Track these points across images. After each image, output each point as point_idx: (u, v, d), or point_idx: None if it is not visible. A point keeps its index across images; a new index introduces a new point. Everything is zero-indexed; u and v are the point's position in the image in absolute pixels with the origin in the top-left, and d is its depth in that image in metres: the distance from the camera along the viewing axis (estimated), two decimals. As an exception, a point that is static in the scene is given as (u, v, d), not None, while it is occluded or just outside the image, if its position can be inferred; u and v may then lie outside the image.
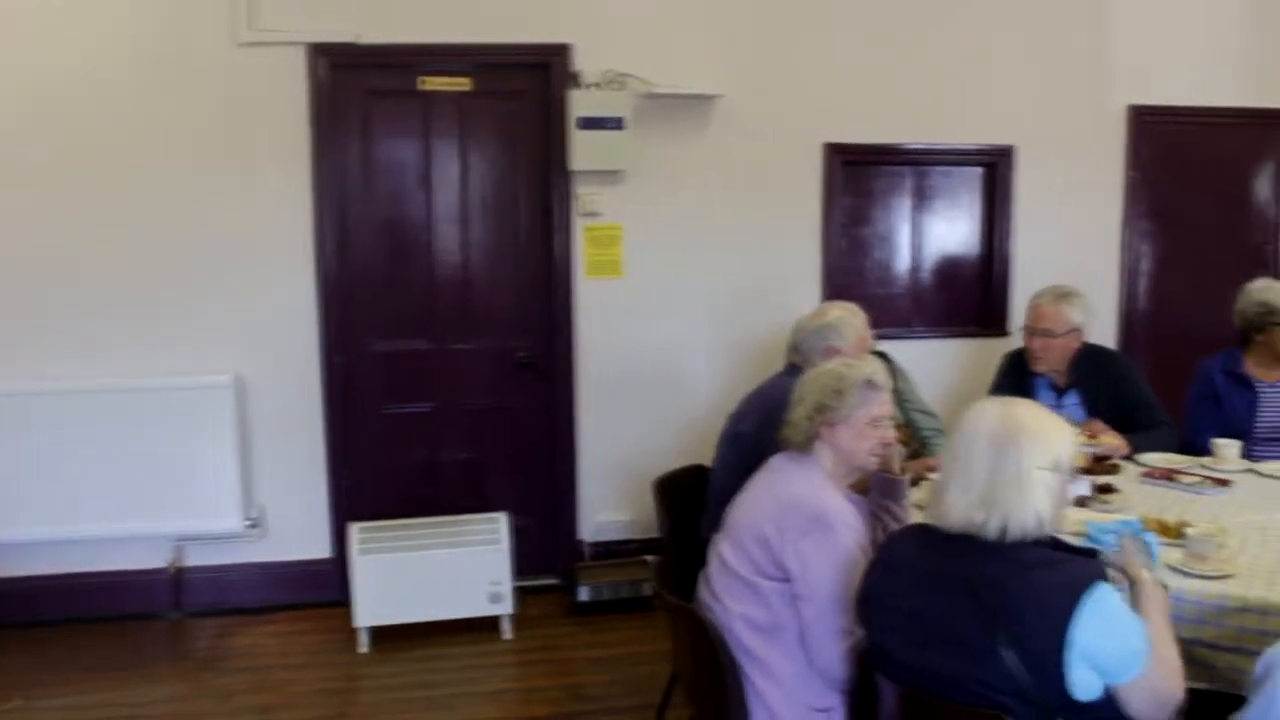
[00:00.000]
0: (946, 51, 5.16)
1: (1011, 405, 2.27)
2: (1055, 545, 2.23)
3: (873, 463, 2.83)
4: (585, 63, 4.79)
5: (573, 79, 4.77)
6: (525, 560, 4.89)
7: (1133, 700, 2.13)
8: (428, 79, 4.82)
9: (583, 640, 4.59)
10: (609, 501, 5.07)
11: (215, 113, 4.61)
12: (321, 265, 4.75)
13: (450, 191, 4.90)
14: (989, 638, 2.09)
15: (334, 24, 4.63)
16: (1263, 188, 5.74)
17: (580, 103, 4.69)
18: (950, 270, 5.42)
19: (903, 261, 5.37)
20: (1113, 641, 2.08)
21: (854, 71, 5.07)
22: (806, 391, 2.80)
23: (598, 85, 4.77)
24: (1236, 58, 5.56)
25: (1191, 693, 2.57)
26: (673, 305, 5.03)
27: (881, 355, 4.13)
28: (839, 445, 2.76)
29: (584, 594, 4.80)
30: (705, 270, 5.04)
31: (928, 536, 2.27)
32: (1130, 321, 5.58)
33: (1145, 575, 2.35)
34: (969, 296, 5.44)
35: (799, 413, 2.78)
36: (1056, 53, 5.29)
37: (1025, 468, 2.16)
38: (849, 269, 5.24)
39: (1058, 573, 2.11)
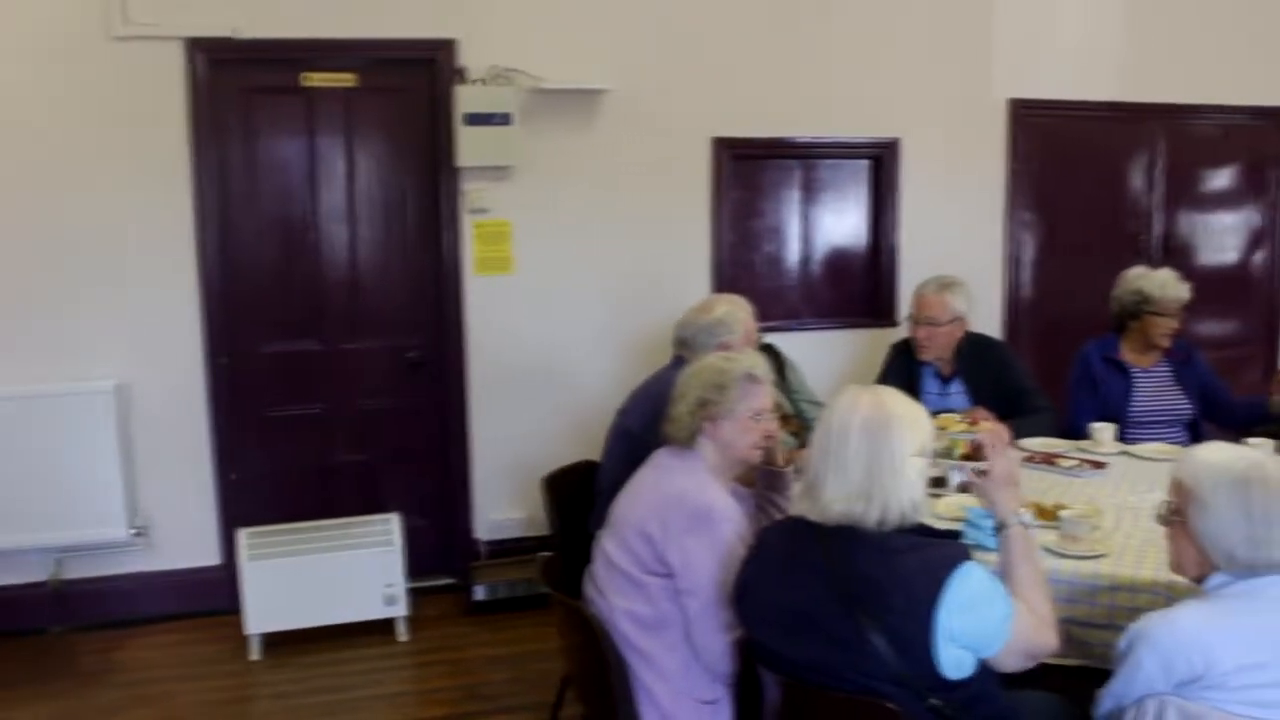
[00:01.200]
0: (833, 46, 5.23)
1: (880, 394, 2.30)
2: (920, 530, 2.27)
3: (756, 455, 2.85)
4: (471, 58, 4.75)
5: (459, 74, 4.72)
6: (420, 561, 4.84)
7: (1004, 662, 2.20)
8: (311, 75, 4.73)
9: (479, 639, 4.55)
10: (504, 499, 5.04)
11: (89, 109, 4.46)
12: (203, 266, 4.63)
13: (337, 189, 4.81)
14: (859, 626, 2.12)
15: (211, 18, 4.51)
16: (1136, 178, 5.93)
17: (467, 98, 4.65)
18: (839, 262, 5.50)
19: (793, 254, 5.43)
20: (978, 619, 2.13)
21: (742, 66, 5.11)
22: (688, 387, 2.79)
23: (484, 81, 4.72)
24: (1110, 54, 5.74)
25: (1066, 669, 2.66)
26: (564, 300, 5.02)
27: (769, 347, 4.20)
28: (722, 439, 2.76)
29: (480, 593, 4.77)
30: (596, 265, 5.04)
31: (800, 529, 2.29)
32: (1015, 309, 5.72)
33: (1011, 520, 2.39)
34: (858, 287, 5.52)
35: (681, 408, 2.77)
36: (940, 48, 5.40)
37: (899, 455, 2.19)
38: (739, 262, 5.27)
39: (922, 557, 2.15)
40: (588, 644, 2.69)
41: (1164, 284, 4.17)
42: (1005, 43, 5.52)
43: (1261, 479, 2.07)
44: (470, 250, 4.89)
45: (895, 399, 2.29)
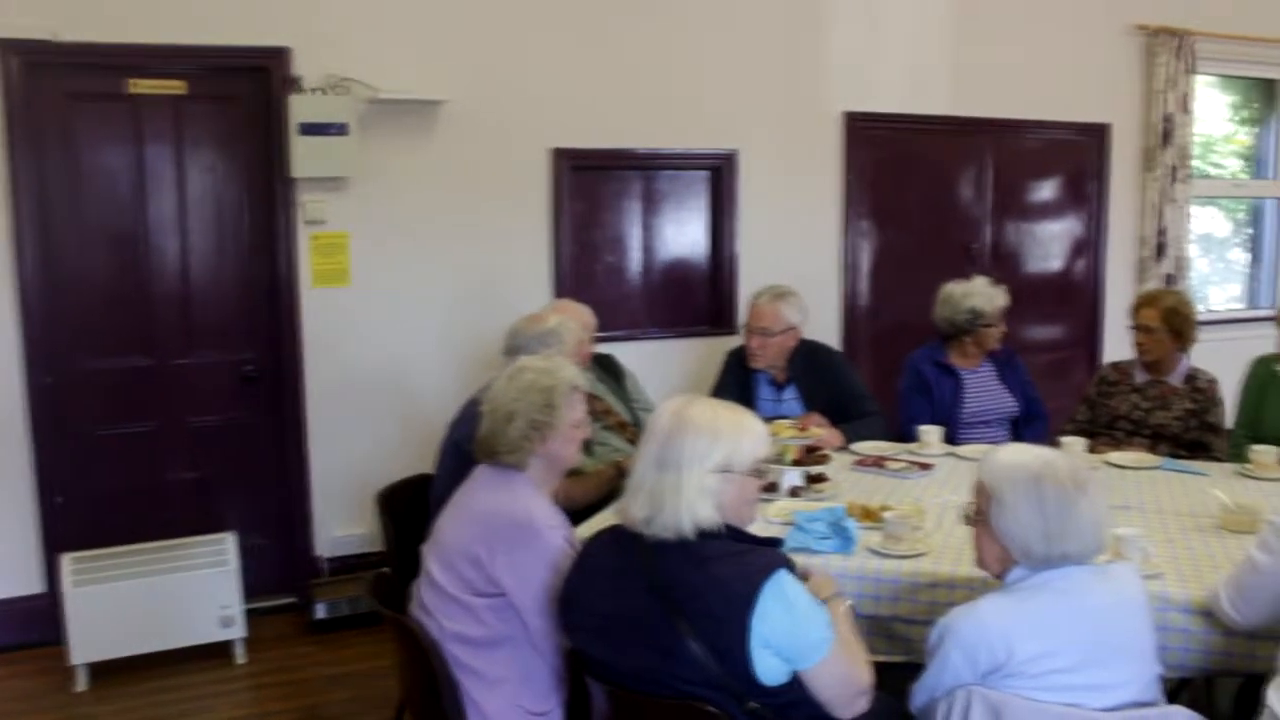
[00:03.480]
0: (672, 58, 5.30)
1: (687, 405, 2.30)
2: (738, 537, 2.29)
3: (577, 461, 2.86)
4: (306, 67, 4.66)
5: (293, 83, 4.63)
6: (259, 581, 4.71)
7: (820, 684, 2.22)
8: (137, 82, 4.57)
9: (320, 659, 4.46)
10: (346, 515, 4.95)
11: (-108, 116, 4.24)
12: (21, 281, 4.42)
13: (167, 200, 4.66)
14: (676, 632, 2.15)
15: (27, 19, 4.31)
16: (967, 190, 6.17)
17: (301, 108, 4.56)
18: (680, 271, 5.57)
19: (634, 264, 5.47)
20: (793, 627, 2.16)
21: (582, 77, 5.14)
22: (515, 409, 2.71)
23: (320, 90, 4.64)
24: (940, 70, 5.96)
25: (889, 665, 2.75)
26: (403, 313, 4.96)
27: (607, 358, 4.23)
28: (552, 453, 2.75)
29: (321, 611, 4.68)
30: (435, 277, 4.99)
31: (622, 537, 2.31)
32: (852, 316, 5.88)
33: (833, 598, 2.41)
34: (699, 297, 5.60)
35: (513, 433, 2.70)
36: (777, 61, 5.52)
37: (685, 472, 2.20)
38: (581, 272, 5.29)
39: (738, 564, 2.18)
40: (415, 660, 2.66)
41: (991, 297, 4.39)
42: (840, 57, 5.68)
43: (1054, 477, 2.18)
44: (307, 262, 4.79)
45: (705, 412, 2.29)
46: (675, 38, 5.30)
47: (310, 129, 4.57)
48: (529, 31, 5.04)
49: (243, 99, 4.70)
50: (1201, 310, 7.20)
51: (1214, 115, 7.45)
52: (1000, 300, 4.40)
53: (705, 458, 2.22)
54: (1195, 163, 7.13)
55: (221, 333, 4.79)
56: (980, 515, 2.28)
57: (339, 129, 4.61)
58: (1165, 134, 6.55)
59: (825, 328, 5.58)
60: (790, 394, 4.20)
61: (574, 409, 2.78)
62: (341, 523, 4.96)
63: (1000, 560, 2.26)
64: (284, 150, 4.62)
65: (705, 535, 2.21)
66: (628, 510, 2.28)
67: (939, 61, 5.96)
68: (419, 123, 4.88)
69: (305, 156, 4.58)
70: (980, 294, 4.37)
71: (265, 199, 4.74)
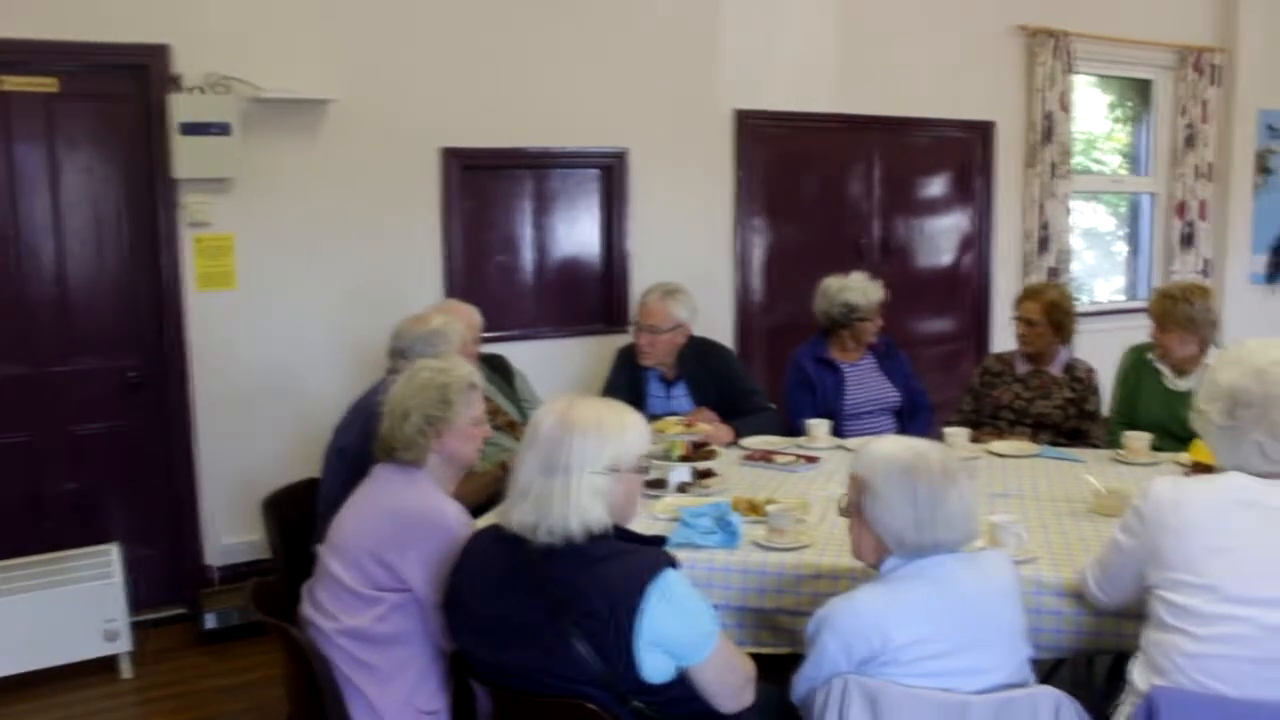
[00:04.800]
0: (562, 57, 5.30)
1: (570, 407, 2.29)
2: (623, 536, 2.30)
3: (476, 460, 2.86)
4: (186, 65, 4.55)
5: (173, 82, 4.52)
6: (148, 592, 4.61)
7: (706, 679, 2.24)
8: (5, 79, 4.42)
9: (212, 669, 4.37)
10: (236, 522, 4.85)
11: None
12: (-115, 288, 4.26)
13: (41, 202, 4.51)
14: (562, 632, 2.15)
15: (-115, 15, 4.16)
16: (856, 186, 6.28)
17: (182, 107, 4.45)
18: (573, 270, 5.57)
19: (527, 263, 5.45)
20: (681, 625, 2.18)
21: (471, 77, 5.10)
22: (411, 405, 2.74)
23: (201, 89, 4.54)
24: (828, 68, 6.05)
25: (774, 657, 2.78)
26: (292, 316, 4.88)
27: (497, 358, 4.22)
28: (448, 451, 2.76)
29: (211, 621, 4.59)
30: (325, 278, 4.92)
31: (506, 537, 2.30)
32: (745, 312, 5.95)
33: None
34: (592, 296, 5.60)
35: (409, 429, 2.71)
36: (667, 59, 5.55)
37: (574, 475, 2.20)
38: (472, 272, 5.25)
39: (624, 563, 2.19)
40: (299, 665, 2.63)
41: (866, 291, 4.47)
42: (730, 56, 5.74)
43: (925, 467, 2.23)
44: (191, 265, 4.68)
45: (590, 413, 2.28)
46: (566, 37, 5.30)
47: (191, 129, 4.47)
48: (417, 30, 4.99)
49: (120, 98, 4.57)
50: (1086, 302, 7.47)
51: (1095, 114, 7.70)
52: (876, 294, 4.48)
53: (595, 459, 2.22)
54: (1079, 159, 7.37)
55: (102, 338, 4.66)
56: (855, 507, 2.33)
57: (221, 129, 4.51)
58: (1046, 131, 6.74)
59: (719, 324, 5.63)
60: (680, 391, 4.23)
61: (471, 406, 2.78)
62: (232, 530, 4.87)
63: (875, 550, 2.31)
64: (165, 151, 4.51)
65: (592, 536, 2.21)
66: (512, 515, 2.26)
67: (828, 60, 6.05)
68: (305, 122, 4.81)
69: (187, 157, 4.48)
70: (855, 288, 4.45)
71: (146, 201, 4.62)
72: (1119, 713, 2.34)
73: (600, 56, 5.38)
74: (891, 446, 2.31)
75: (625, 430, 2.30)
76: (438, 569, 2.54)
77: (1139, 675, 2.32)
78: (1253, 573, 2.18)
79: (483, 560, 2.35)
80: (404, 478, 2.74)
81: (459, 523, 2.63)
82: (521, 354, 4.84)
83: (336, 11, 4.84)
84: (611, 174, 5.49)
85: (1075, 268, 7.22)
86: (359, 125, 4.89)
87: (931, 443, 2.39)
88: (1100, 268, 8.04)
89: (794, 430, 4.26)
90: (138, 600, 4.38)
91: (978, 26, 6.54)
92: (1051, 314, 4.40)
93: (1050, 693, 2.19)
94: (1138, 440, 3.85)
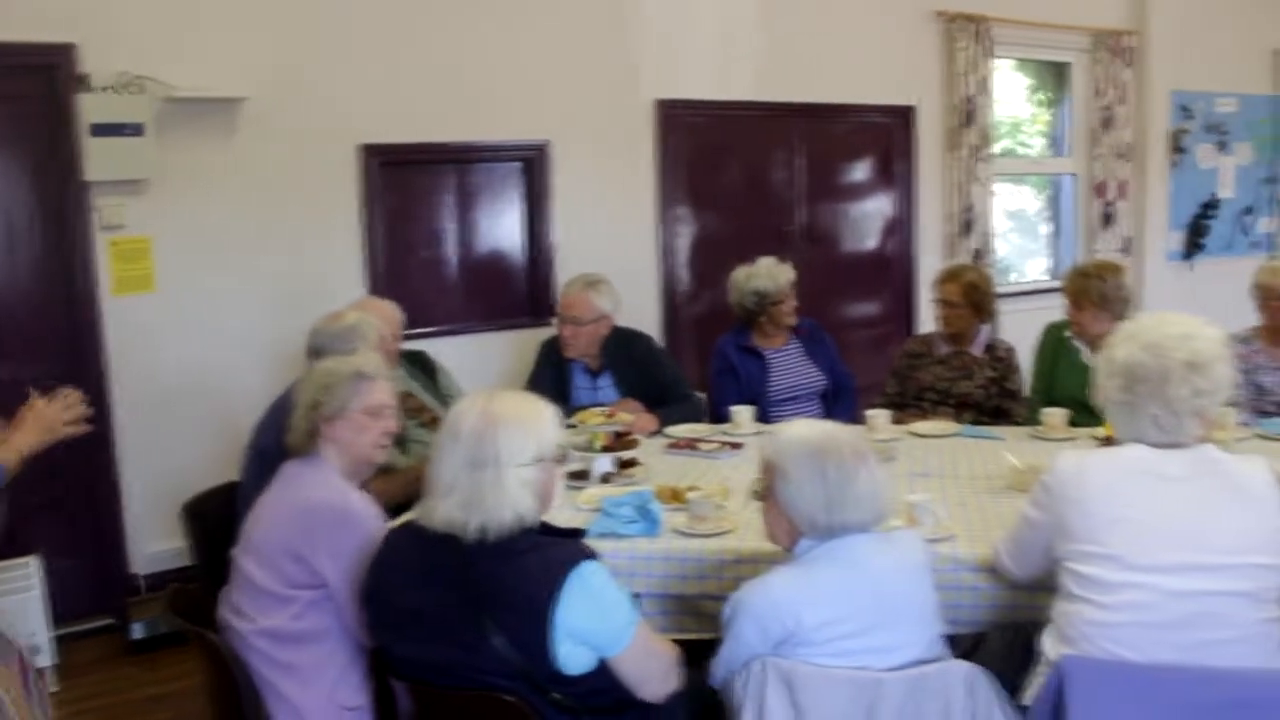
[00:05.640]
0: (480, 50, 5.27)
1: (493, 401, 2.29)
2: (543, 530, 2.30)
3: (379, 455, 2.83)
4: (95, 64, 4.45)
5: (82, 82, 4.43)
6: (72, 604, 4.52)
7: (628, 668, 2.25)
8: (-98, 81, 4.32)
9: (139, 680, 4.30)
10: (163, 529, 4.76)
11: None
12: None
13: (-57, 207, 4.42)
14: (480, 626, 2.15)
15: None
16: (779, 173, 6.32)
17: (92, 108, 4.37)
18: (498, 264, 5.55)
19: (451, 258, 5.43)
20: (598, 617, 2.19)
21: (388, 71, 5.06)
22: (301, 393, 2.78)
23: (112, 89, 4.45)
24: (748, 56, 6.08)
25: (698, 643, 2.80)
26: (213, 317, 4.81)
27: (419, 354, 4.20)
28: (340, 440, 2.74)
29: (138, 631, 4.52)
30: (246, 279, 4.86)
31: (417, 533, 2.29)
32: (671, 301, 5.97)
33: None
34: (517, 289, 5.59)
35: (299, 420, 2.75)
36: (586, 51, 5.55)
37: (504, 468, 2.20)
38: (395, 269, 5.22)
39: (541, 557, 2.19)
40: (220, 671, 2.60)
41: (773, 276, 4.50)
42: (650, 45, 5.74)
43: (834, 450, 2.26)
44: (107, 269, 4.60)
45: (511, 406, 2.29)
46: (482, 28, 5.27)
47: (102, 130, 4.39)
48: (332, 26, 4.94)
49: (27, 99, 4.46)
50: (1011, 282, 7.59)
51: (1017, 97, 7.82)
52: (784, 276, 4.50)
53: (521, 451, 2.22)
54: (1007, 142, 7.48)
55: (16, 345, 4.55)
56: (767, 491, 2.35)
57: (134, 129, 4.44)
58: (967, 115, 6.83)
59: (645, 314, 5.65)
60: (605, 381, 4.24)
61: (363, 395, 2.76)
62: (157, 537, 4.79)
63: (788, 533, 2.34)
64: (76, 152, 4.42)
65: (518, 530, 2.20)
66: (436, 512, 2.25)
67: (748, 48, 6.08)
68: (221, 121, 4.74)
69: (98, 158, 4.40)
70: (763, 274, 4.47)
71: (57, 204, 4.52)
72: (1032, 684, 2.38)
73: (519, 48, 5.36)
74: (801, 430, 2.34)
75: (544, 421, 2.31)
76: (350, 562, 2.53)
77: (1050, 646, 2.37)
78: (1153, 541, 2.23)
79: (402, 557, 2.34)
80: (308, 472, 2.73)
81: (365, 514, 2.63)
82: (448, 349, 4.82)
83: (250, 8, 4.77)
84: (533, 167, 5.48)
85: (1004, 249, 7.33)
86: (276, 123, 4.84)
87: (842, 425, 2.42)
88: (1029, 248, 8.17)
89: (721, 418, 4.29)
90: (63, 612, 4.30)
91: (897, 12, 6.61)
92: (971, 295, 4.46)
93: (962, 667, 2.23)
94: (1055, 416, 3.93)
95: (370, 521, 2.61)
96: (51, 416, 2.86)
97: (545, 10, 5.43)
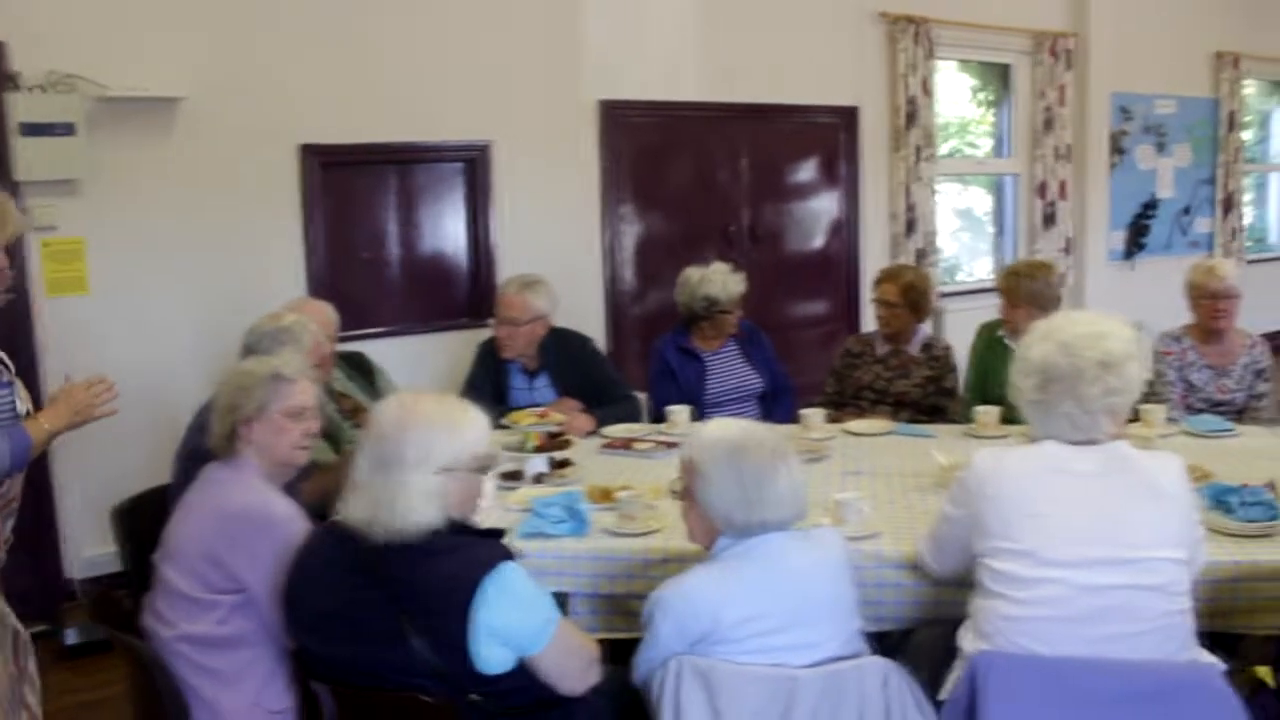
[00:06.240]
0: (422, 49, 5.25)
1: (411, 402, 2.29)
2: (461, 530, 2.28)
3: (300, 457, 2.80)
4: (25, 62, 4.40)
5: (10, 81, 4.37)
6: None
7: (549, 665, 2.26)
8: None
9: (75, 686, 4.25)
10: (99, 534, 4.70)
11: None
12: None
13: None
14: (398, 627, 2.15)
15: None
16: (723, 174, 6.35)
17: (21, 107, 4.32)
18: (441, 266, 5.54)
19: (393, 260, 5.41)
20: (518, 618, 2.19)
21: (328, 71, 5.03)
22: (219, 394, 2.76)
23: (41, 87, 4.40)
24: (693, 57, 6.11)
25: (626, 641, 2.81)
26: (150, 319, 4.77)
27: (355, 355, 4.18)
28: (259, 443, 2.71)
29: (72, 637, 4.47)
30: (184, 281, 4.81)
31: (339, 531, 2.28)
32: (615, 301, 5.98)
33: None
34: (459, 290, 5.58)
35: (217, 423, 2.73)
36: (529, 51, 5.55)
37: (408, 473, 2.18)
38: (337, 270, 5.19)
39: (460, 558, 2.18)
40: (145, 677, 2.59)
41: (726, 285, 4.49)
42: (593, 46, 5.75)
43: (752, 448, 2.29)
44: (39, 271, 4.55)
45: (429, 410, 2.27)
46: (424, 28, 5.25)
47: (32, 129, 4.34)
48: (270, 24, 4.91)
49: (-45, 99, 4.42)
50: (955, 282, 7.68)
51: (961, 98, 7.91)
52: (736, 288, 4.51)
53: (428, 459, 2.20)
54: (954, 143, 7.55)
55: (-55, 349, 4.50)
56: (687, 491, 2.37)
57: (65, 129, 4.39)
58: (910, 116, 6.90)
59: (590, 314, 5.66)
60: (543, 382, 4.24)
61: (282, 398, 2.72)
62: (94, 542, 4.74)
63: (707, 532, 2.36)
64: (5, 152, 4.36)
65: (427, 533, 2.19)
66: (348, 509, 2.25)
67: (692, 49, 6.11)
68: (156, 121, 4.70)
69: (29, 159, 4.35)
70: (716, 281, 4.48)
71: (-12, 205, 4.47)
72: (950, 678, 2.42)
73: (461, 48, 5.35)
74: (719, 429, 2.36)
75: (462, 429, 2.28)
76: (270, 567, 2.51)
77: (967, 641, 2.40)
78: (1064, 536, 2.27)
79: (322, 555, 2.33)
80: (229, 475, 2.71)
81: (286, 518, 2.60)
82: (390, 351, 4.80)
83: (186, 7, 4.73)
84: (476, 167, 5.47)
85: (954, 248, 7.41)
86: (213, 123, 4.80)
87: (761, 424, 2.44)
88: (979, 248, 8.26)
89: (661, 419, 4.30)
90: (-5, 618, 4.24)
91: (840, 13, 6.67)
92: (908, 295, 4.51)
93: (878, 663, 2.26)
94: (988, 414, 3.97)
95: (291, 525, 2.58)
96: (82, 399, 2.88)
97: (488, 10, 5.42)
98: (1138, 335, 2.42)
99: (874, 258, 6.91)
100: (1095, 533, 2.27)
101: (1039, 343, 2.40)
